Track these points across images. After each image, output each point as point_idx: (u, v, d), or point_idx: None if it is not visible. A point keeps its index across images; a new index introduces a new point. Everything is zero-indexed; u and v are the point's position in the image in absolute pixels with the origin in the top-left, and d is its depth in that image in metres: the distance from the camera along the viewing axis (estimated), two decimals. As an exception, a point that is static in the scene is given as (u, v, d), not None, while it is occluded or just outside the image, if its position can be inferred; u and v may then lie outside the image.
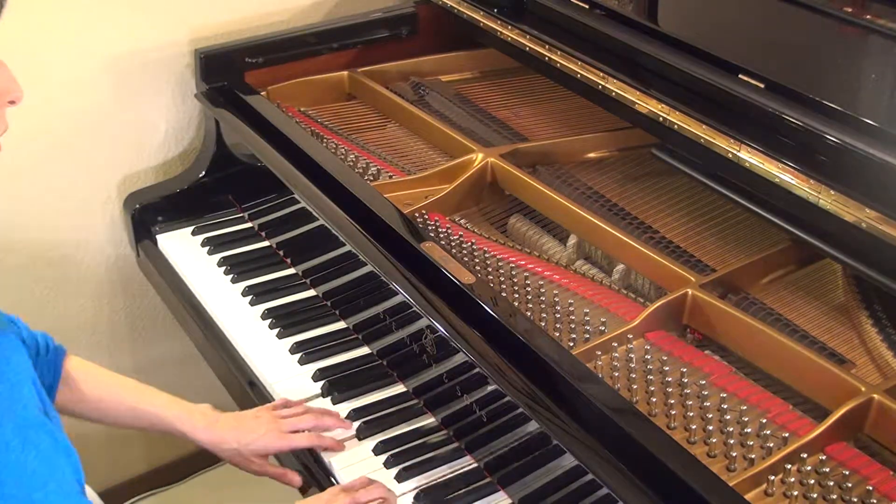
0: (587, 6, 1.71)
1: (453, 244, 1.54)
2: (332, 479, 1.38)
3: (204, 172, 1.92)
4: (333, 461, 1.39)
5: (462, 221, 1.61)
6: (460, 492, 1.32)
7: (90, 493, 1.46)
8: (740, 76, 1.44)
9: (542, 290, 1.45)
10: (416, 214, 1.59)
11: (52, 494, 0.98)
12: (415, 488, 1.34)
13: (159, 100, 1.98)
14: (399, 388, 1.50)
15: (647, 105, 1.51)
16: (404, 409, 1.46)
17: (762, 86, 1.41)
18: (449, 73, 2.03)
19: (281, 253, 1.80)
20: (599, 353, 1.32)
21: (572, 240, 1.57)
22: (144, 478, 2.33)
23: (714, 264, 1.47)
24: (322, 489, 1.36)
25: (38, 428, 0.98)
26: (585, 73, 1.62)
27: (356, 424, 1.44)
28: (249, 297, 1.70)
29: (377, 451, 1.40)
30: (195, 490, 2.19)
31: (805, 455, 1.18)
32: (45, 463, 0.98)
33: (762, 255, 1.46)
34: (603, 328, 1.36)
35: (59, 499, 0.99)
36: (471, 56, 2.04)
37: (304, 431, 1.40)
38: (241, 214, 1.91)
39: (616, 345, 1.32)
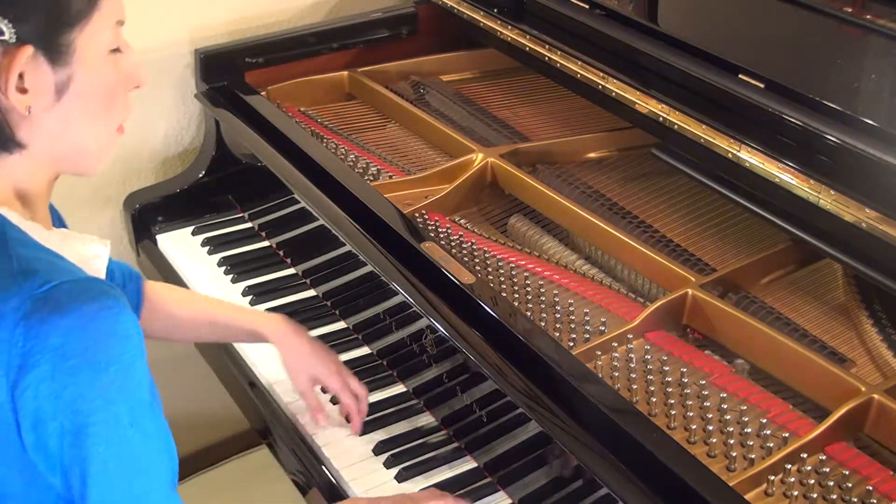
0: (587, 6, 1.72)
1: (453, 244, 1.54)
2: (331, 478, 1.38)
3: (204, 172, 1.92)
4: (334, 460, 1.39)
5: (462, 221, 1.61)
6: (460, 492, 1.32)
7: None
8: (740, 76, 1.44)
9: (542, 290, 1.45)
10: (416, 214, 1.59)
11: (152, 483, 0.97)
12: (415, 488, 1.33)
13: (159, 100, 1.98)
14: (399, 388, 1.50)
15: (647, 105, 1.51)
16: (404, 409, 1.46)
17: (762, 86, 1.41)
18: (449, 73, 2.03)
19: (281, 253, 1.80)
20: (599, 353, 1.32)
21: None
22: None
23: (714, 264, 1.47)
24: (320, 487, 1.36)
25: (147, 410, 0.96)
26: (585, 73, 1.62)
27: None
28: (249, 297, 1.69)
29: (377, 451, 1.40)
30: (195, 490, 2.19)
31: (805, 455, 1.18)
32: (148, 449, 0.97)
33: (762, 255, 1.46)
34: (603, 328, 1.36)
35: (156, 490, 0.98)
36: (471, 56, 2.04)
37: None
38: (241, 214, 1.91)
39: (616, 345, 1.32)
